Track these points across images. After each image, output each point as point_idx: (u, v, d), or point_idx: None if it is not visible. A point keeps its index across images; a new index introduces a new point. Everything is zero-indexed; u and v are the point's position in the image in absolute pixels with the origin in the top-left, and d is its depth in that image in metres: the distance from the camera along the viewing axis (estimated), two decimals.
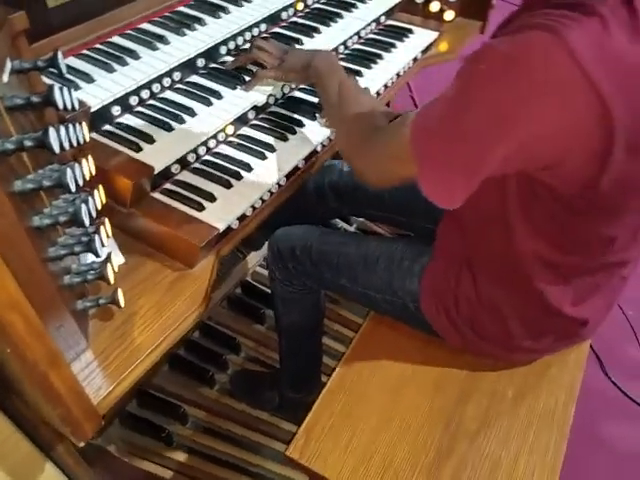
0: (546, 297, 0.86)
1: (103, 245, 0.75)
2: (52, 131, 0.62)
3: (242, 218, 0.95)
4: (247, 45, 1.16)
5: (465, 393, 1.01)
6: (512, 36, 0.63)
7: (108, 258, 0.78)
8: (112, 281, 0.77)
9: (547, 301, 0.87)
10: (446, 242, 0.98)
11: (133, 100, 0.98)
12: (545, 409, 1.01)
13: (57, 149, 0.63)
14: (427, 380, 1.03)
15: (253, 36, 1.18)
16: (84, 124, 0.76)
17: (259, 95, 1.08)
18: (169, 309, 0.85)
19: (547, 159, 0.65)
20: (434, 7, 1.57)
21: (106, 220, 0.79)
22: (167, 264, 0.91)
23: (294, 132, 1.08)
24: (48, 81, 0.85)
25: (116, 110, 0.96)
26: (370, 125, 0.88)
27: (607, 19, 0.59)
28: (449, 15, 1.59)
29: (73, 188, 0.67)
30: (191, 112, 1.00)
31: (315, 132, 1.09)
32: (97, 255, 0.74)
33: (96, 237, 0.74)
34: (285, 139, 1.06)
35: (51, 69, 0.74)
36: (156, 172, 0.90)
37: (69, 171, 0.66)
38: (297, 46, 1.19)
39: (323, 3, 1.35)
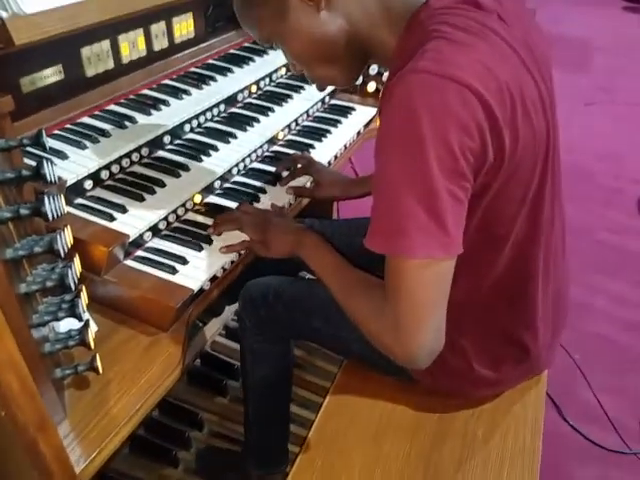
0: (501, 325, 0.94)
1: (83, 311, 0.77)
2: (47, 200, 0.66)
3: (213, 279, 0.99)
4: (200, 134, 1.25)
5: (439, 436, 1.05)
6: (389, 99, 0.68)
7: (87, 323, 0.80)
8: (93, 346, 0.79)
9: (503, 328, 0.94)
10: None
11: (104, 174, 1.03)
12: (514, 448, 1.05)
13: (51, 217, 0.67)
14: (403, 426, 1.06)
15: (213, 115, 1.27)
16: (62, 196, 0.80)
17: (224, 166, 1.15)
18: (145, 374, 0.86)
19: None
20: (371, 87, 1.74)
21: (84, 287, 0.81)
22: (140, 329, 0.92)
23: (258, 199, 1.15)
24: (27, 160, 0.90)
25: (88, 184, 1.00)
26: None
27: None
28: None
29: (63, 254, 0.70)
30: (160, 183, 1.06)
31: (278, 196, 1.17)
32: (80, 319, 0.76)
33: (79, 302, 0.76)
34: (251, 203, 1.13)
35: (34, 147, 0.78)
36: (130, 240, 0.94)
37: (59, 237, 0.70)
38: (257, 126, 1.29)
39: (274, 86, 1.48)
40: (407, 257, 0.71)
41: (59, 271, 0.75)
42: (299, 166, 1.26)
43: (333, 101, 1.57)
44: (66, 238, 0.77)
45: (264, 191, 1.18)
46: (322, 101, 1.51)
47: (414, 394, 1.09)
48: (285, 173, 1.25)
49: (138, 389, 0.84)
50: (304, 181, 1.25)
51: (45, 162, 0.73)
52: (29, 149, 0.96)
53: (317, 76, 0.89)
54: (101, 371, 0.81)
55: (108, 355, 0.87)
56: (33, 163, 0.69)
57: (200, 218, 1.09)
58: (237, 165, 1.20)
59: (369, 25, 0.80)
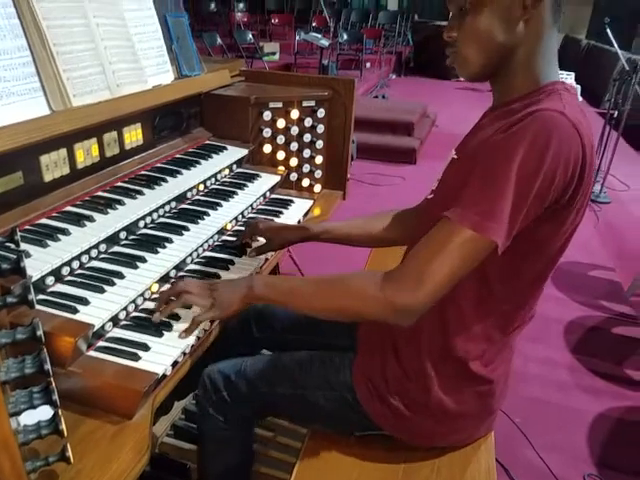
0: (465, 362, 1.04)
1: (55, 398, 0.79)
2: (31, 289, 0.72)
3: (174, 364, 1.03)
4: (161, 219, 1.34)
5: None
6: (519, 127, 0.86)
7: (58, 412, 0.81)
8: (66, 433, 0.81)
9: (465, 365, 1.04)
10: (370, 334, 1.14)
11: (65, 270, 1.08)
12: None
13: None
14: None
15: (165, 211, 1.36)
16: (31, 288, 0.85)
17: (179, 256, 1.23)
18: (115, 462, 0.87)
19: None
20: (305, 183, 1.92)
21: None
22: (106, 419, 0.94)
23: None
24: None
25: (50, 280, 1.05)
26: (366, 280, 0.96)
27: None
28: (317, 188, 1.94)
29: (43, 339, 0.74)
30: (120, 275, 1.12)
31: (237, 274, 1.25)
32: (56, 405, 0.78)
33: (54, 388, 0.79)
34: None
35: (7, 244, 0.84)
36: (94, 330, 0.98)
37: (40, 324, 0.75)
38: (207, 219, 1.38)
39: (219, 184, 1.61)
40: (482, 235, 0.84)
41: (32, 361, 0.78)
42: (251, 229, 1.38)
43: (274, 195, 1.71)
44: (40, 329, 0.81)
45: (217, 276, 1.25)
46: (264, 196, 1.65)
47: (379, 451, 1.14)
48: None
49: (109, 477, 0.84)
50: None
51: (23, 255, 0.79)
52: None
53: (463, 52, 0.98)
54: (72, 460, 0.82)
55: (76, 446, 0.87)
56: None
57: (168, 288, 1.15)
58: (191, 255, 1.28)
59: (525, 61, 0.95)
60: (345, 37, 9.15)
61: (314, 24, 10.41)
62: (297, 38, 8.30)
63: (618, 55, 4.78)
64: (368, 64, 9.23)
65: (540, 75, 0.96)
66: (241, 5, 11.29)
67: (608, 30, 4.54)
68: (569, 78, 7.96)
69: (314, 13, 11.50)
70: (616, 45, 4.67)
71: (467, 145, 1.06)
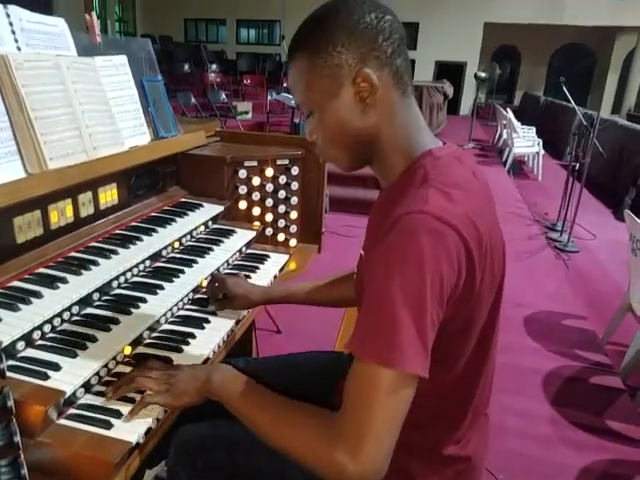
0: (438, 448, 1.00)
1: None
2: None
3: (147, 432, 0.99)
4: (134, 279, 1.32)
5: None
6: (389, 237, 0.80)
7: None
8: None
9: (439, 451, 1.00)
10: None
11: (36, 335, 1.05)
12: None
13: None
14: None
15: (140, 270, 1.35)
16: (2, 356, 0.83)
17: (153, 317, 1.21)
18: None
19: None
20: (280, 238, 1.94)
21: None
22: None
23: (188, 344, 1.20)
24: None
25: (20, 345, 1.01)
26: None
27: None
28: (293, 242, 1.96)
29: (14, 410, 0.71)
30: (92, 338, 1.09)
31: (207, 340, 1.23)
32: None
33: (22, 462, 0.76)
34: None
35: None
36: (66, 397, 0.94)
37: (10, 394, 0.72)
38: (182, 276, 1.37)
39: (195, 241, 1.60)
40: (394, 369, 0.76)
41: (1, 432, 0.75)
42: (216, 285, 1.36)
43: (250, 250, 1.71)
44: (10, 398, 0.78)
45: (192, 336, 1.23)
46: (240, 251, 1.64)
47: None
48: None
49: None
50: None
51: None
52: None
53: (328, 152, 0.99)
54: None
55: None
56: None
57: (129, 370, 1.11)
58: (165, 314, 1.26)
59: (388, 142, 0.94)
60: None
61: (285, 85, 10.74)
62: (269, 98, 8.53)
63: (574, 110, 5.03)
64: None
65: (409, 150, 0.94)
66: (214, 66, 11.64)
67: (564, 87, 4.80)
68: (530, 132, 8.37)
69: (284, 74, 11.89)
70: (572, 101, 4.92)
71: (368, 240, 1.05)
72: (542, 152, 7.69)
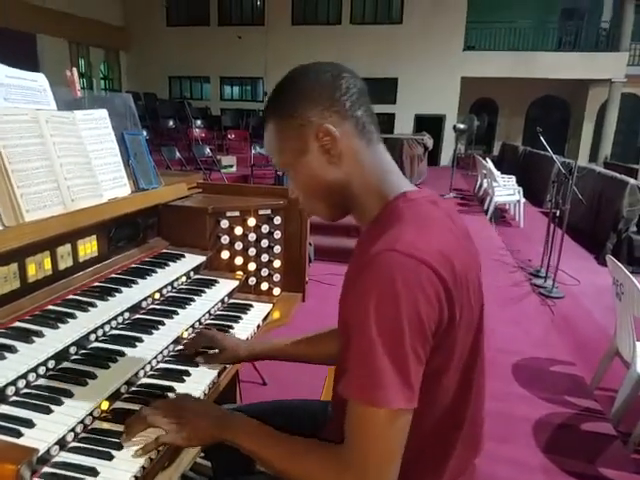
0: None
1: None
2: None
3: None
4: (115, 331, 1.30)
5: None
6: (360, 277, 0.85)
7: None
8: None
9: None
10: None
11: (10, 390, 1.01)
12: None
13: None
14: None
15: (118, 323, 1.33)
16: None
17: (132, 370, 1.18)
18: None
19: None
20: (264, 286, 1.93)
21: None
22: None
23: (166, 398, 1.16)
24: None
25: None
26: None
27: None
28: (276, 291, 1.95)
29: None
30: (68, 393, 1.06)
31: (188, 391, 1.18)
32: None
33: None
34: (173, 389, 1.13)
35: None
36: (39, 454, 0.91)
37: None
38: (162, 328, 1.35)
39: (176, 292, 1.59)
40: (380, 407, 0.82)
41: None
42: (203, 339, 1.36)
43: (232, 300, 1.70)
44: None
45: (172, 389, 1.20)
46: (222, 301, 1.63)
47: None
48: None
49: None
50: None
51: None
52: None
53: (309, 206, 1.05)
54: None
55: None
56: None
57: (107, 425, 1.08)
58: (144, 368, 1.23)
59: (361, 189, 0.99)
60: None
61: None
62: (253, 152, 8.68)
63: (553, 159, 5.17)
64: None
65: (382, 193, 0.98)
66: (199, 122, 11.89)
67: (541, 138, 4.95)
68: (510, 181, 8.57)
69: None
70: (550, 151, 5.07)
71: (345, 284, 1.06)
72: (523, 200, 7.85)
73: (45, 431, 0.97)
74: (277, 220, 1.90)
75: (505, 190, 8.06)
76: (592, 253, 6.30)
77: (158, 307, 1.47)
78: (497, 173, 8.35)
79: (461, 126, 10.59)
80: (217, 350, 1.34)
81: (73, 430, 1.01)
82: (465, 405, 1.01)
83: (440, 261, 0.85)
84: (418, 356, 0.83)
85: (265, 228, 1.88)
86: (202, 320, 1.49)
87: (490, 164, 8.42)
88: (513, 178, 8.74)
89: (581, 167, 6.37)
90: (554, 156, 5.15)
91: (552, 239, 4.84)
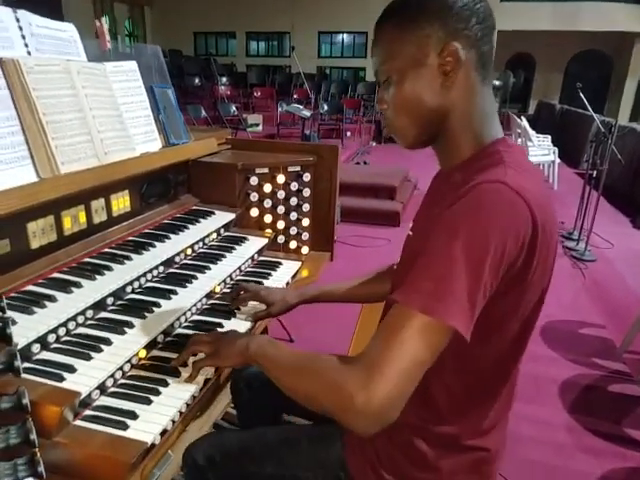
0: (458, 438, 0.99)
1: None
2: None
3: (163, 433, 0.99)
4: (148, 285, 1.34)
5: None
6: (464, 199, 0.81)
7: None
8: None
9: (459, 440, 0.99)
10: None
11: (51, 338, 1.06)
12: None
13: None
14: None
15: (153, 276, 1.36)
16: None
17: (167, 321, 1.21)
18: None
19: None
20: (292, 245, 1.94)
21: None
22: None
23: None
24: None
25: (36, 348, 1.03)
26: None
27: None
28: (305, 250, 1.96)
29: (29, 408, 0.72)
30: (107, 341, 1.10)
31: None
32: (41, 478, 0.75)
33: (39, 460, 0.76)
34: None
35: None
36: (81, 398, 0.95)
37: (25, 392, 0.72)
38: (195, 282, 1.38)
39: (207, 248, 1.62)
40: (430, 317, 0.76)
41: (17, 431, 0.76)
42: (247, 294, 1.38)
43: (262, 258, 1.72)
44: (26, 397, 0.79)
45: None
46: (252, 258, 1.65)
47: None
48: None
49: None
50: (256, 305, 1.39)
51: (9, 322, 0.78)
52: None
53: (397, 123, 0.97)
54: None
55: None
56: None
57: (145, 373, 1.12)
58: (179, 319, 1.26)
59: (462, 122, 0.94)
60: (326, 108, 9.52)
61: (295, 96, 10.82)
62: (279, 110, 8.61)
63: (591, 117, 4.99)
64: (348, 133, 9.55)
65: (480, 135, 0.95)
66: (224, 79, 11.75)
67: (581, 94, 4.76)
68: (545, 141, 8.32)
69: (295, 86, 11.98)
70: (590, 108, 4.89)
71: (419, 220, 1.06)
72: (558, 161, 7.63)
73: (86, 376, 1.01)
74: (306, 177, 1.89)
75: (540, 150, 7.82)
76: (628, 216, 6.13)
77: (190, 262, 1.50)
78: (532, 132, 8.10)
79: (496, 83, 10.26)
80: (264, 306, 1.37)
81: (112, 376, 1.06)
82: (514, 360, 1.00)
83: (538, 207, 0.83)
84: (486, 291, 0.79)
85: (294, 185, 1.88)
86: (233, 276, 1.52)
87: (525, 123, 8.16)
88: (548, 138, 8.47)
89: (622, 126, 6.13)
90: (594, 114, 4.96)
91: (587, 201, 4.72)
